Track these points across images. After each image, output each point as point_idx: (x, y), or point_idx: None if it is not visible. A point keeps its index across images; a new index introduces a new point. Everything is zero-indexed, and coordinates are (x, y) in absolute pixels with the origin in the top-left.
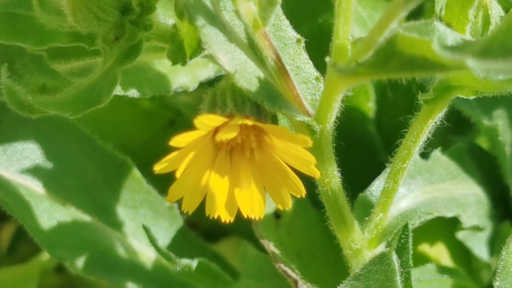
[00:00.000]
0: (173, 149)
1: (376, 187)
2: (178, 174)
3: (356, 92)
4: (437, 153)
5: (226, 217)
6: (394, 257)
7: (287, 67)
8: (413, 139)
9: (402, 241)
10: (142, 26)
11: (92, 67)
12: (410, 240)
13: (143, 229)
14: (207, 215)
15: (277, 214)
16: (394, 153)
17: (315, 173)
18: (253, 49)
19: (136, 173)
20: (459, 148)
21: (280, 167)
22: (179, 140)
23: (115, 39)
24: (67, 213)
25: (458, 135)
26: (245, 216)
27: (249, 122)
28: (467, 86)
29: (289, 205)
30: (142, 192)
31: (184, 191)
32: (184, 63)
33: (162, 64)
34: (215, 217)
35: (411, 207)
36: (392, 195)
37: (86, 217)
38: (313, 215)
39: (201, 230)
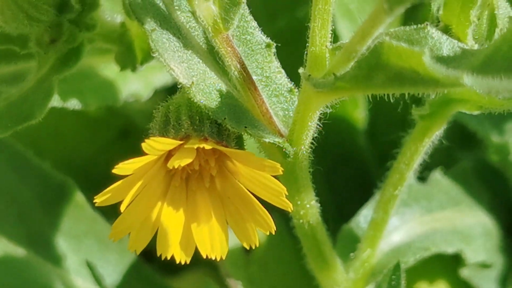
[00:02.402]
0: (117, 177)
1: (363, 218)
2: (122, 208)
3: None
4: (437, 176)
5: (181, 257)
6: None
7: (255, 78)
8: (407, 162)
9: (393, 282)
10: (84, 26)
11: (26, 73)
12: (403, 281)
13: (88, 266)
14: (158, 255)
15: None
16: (384, 177)
17: (287, 206)
18: (213, 57)
19: (79, 197)
20: (464, 168)
21: (245, 198)
22: (124, 167)
23: (50, 41)
24: None
25: (463, 151)
26: (204, 256)
27: (208, 146)
28: (469, 100)
29: (256, 242)
30: (86, 220)
31: (131, 227)
32: (134, 69)
33: (110, 69)
34: (168, 257)
35: (405, 241)
36: (382, 228)
37: (19, 250)
38: (290, 248)
39: (158, 263)
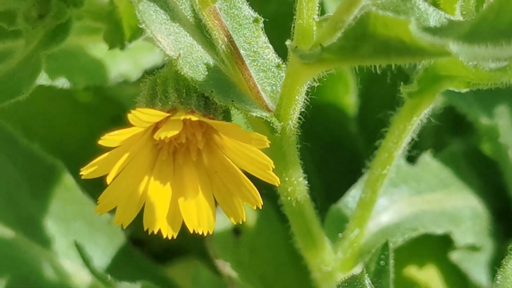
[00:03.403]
0: (105, 150)
1: (351, 198)
2: (109, 180)
3: (332, 82)
4: (426, 158)
5: (168, 232)
6: (367, 281)
7: (242, 52)
8: (395, 140)
9: (381, 262)
10: (71, 1)
11: (13, 52)
12: (391, 261)
13: (76, 247)
14: (145, 229)
15: (236, 230)
16: (373, 156)
17: (274, 180)
18: (200, 31)
19: (68, 179)
20: (454, 151)
21: (232, 172)
22: (111, 138)
23: (38, 17)
24: None
25: (453, 135)
26: (191, 231)
27: (194, 118)
28: (457, 76)
29: (243, 217)
30: (75, 202)
31: (117, 200)
32: (123, 46)
33: (98, 49)
34: (155, 232)
35: (393, 221)
36: (370, 207)
37: (7, 231)
38: (280, 231)
39: (149, 250)
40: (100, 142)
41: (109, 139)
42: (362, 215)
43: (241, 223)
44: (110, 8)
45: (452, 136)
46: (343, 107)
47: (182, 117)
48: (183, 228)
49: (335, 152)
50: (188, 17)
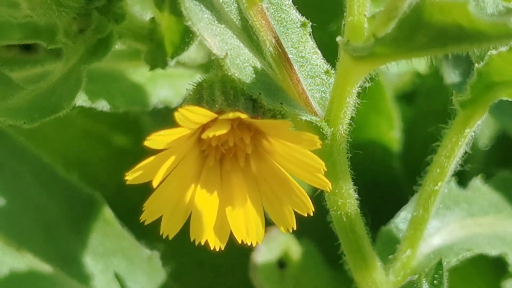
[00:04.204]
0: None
1: (401, 219)
2: (155, 183)
3: (376, 117)
4: (477, 182)
5: (216, 243)
6: (425, 286)
7: (290, 57)
8: (447, 154)
9: (435, 281)
10: (112, 15)
11: (52, 73)
12: (445, 281)
13: (117, 279)
14: (192, 240)
15: (281, 263)
16: (424, 172)
17: (325, 184)
18: (247, 34)
19: (107, 213)
20: (505, 178)
21: (282, 178)
22: (157, 139)
23: (79, 31)
24: (22, 261)
25: (503, 167)
26: (239, 241)
27: (243, 115)
28: (511, 80)
29: (293, 225)
30: (114, 237)
31: (163, 208)
32: (164, 65)
33: (139, 73)
34: (202, 243)
35: (446, 243)
36: (422, 226)
37: (45, 267)
38: (325, 272)
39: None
40: (146, 143)
41: (155, 139)
42: (414, 235)
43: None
44: (152, 26)
45: (502, 168)
46: (386, 143)
47: (230, 116)
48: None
49: (379, 192)
50: (235, 19)
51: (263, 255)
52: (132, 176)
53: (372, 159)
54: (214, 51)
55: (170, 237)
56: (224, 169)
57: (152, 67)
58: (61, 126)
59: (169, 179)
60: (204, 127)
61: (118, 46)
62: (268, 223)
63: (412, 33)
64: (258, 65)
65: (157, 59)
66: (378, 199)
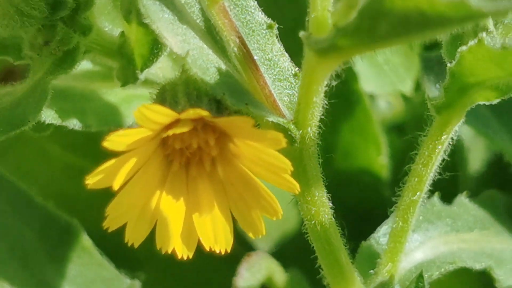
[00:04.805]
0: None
1: (382, 234)
2: (115, 185)
3: (363, 144)
4: (462, 199)
5: (183, 252)
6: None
7: (256, 58)
8: (425, 162)
9: None
10: (78, 27)
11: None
12: None
13: None
14: (158, 248)
15: None
16: (403, 183)
17: (293, 186)
18: (211, 36)
19: (85, 240)
20: (492, 196)
21: (249, 182)
22: (116, 140)
23: (44, 43)
24: None
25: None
26: (207, 249)
27: (204, 113)
28: (485, 80)
29: (262, 231)
30: (94, 266)
31: (127, 215)
32: (135, 79)
33: (113, 94)
34: (169, 251)
35: (428, 258)
36: (403, 239)
37: None
38: None
39: None
40: (105, 144)
41: (114, 140)
42: (394, 248)
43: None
44: (121, 40)
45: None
46: (375, 170)
47: (191, 114)
48: None
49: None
50: (198, 20)
51: (246, 280)
52: (92, 180)
53: (360, 187)
54: (174, 50)
55: (136, 245)
56: (190, 174)
57: (124, 83)
58: (43, 161)
59: (131, 183)
60: (167, 130)
61: (90, 66)
62: (249, 248)
63: (374, 22)
64: (223, 66)
65: (128, 74)
66: (365, 226)
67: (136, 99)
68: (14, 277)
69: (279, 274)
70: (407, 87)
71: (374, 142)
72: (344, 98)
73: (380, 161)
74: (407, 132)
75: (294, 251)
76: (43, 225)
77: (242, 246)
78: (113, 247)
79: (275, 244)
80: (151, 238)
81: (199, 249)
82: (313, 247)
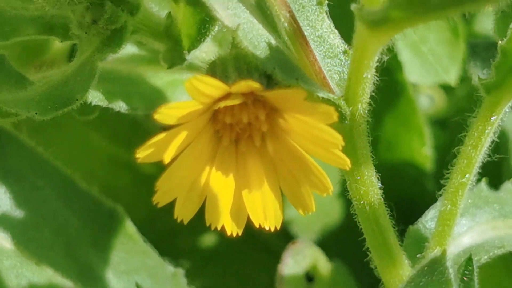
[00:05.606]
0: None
1: (430, 218)
2: (166, 158)
3: (406, 136)
4: (509, 185)
5: (233, 229)
6: (449, 263)
7: (306, 34)
8: (474, 143)
9: (465, 278)
10: (126, 6)
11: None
12: (476, 277)
13: None
14: (207, 225)
15: (309, 276)
16: (451, 165)
17: (343, 162)
18: (261, 9)
19: (129, 227)
20: None
21: (299, 158)
22: (167, 112)
23: (92, 22)
24: (42, 275)
25: None
26: (257, 226)
27: (255, 85)
28: None
29: (312, 208)
30: (138, 253)
31: (177, 190)
32: (182, 60)
33: (159, 78)
34: (219, 228)
35: (476, 243)
36: (451, 222)
37: (66, 283)
38: (353, 282)
39: None
40: (155, 116)
41: (165, 112)
42: (442, 231)
43: (322, 271)
44: (168, 22)
45: None
46: (418, 162)
47: (242, 86)
48: None
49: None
50: None
51: (290, 268)
52: (143, 154)
53: (403, 179)
54: (225, 23)
55: (185, 222)
56: (239, 150)
57: (170, 65)
58: (86, 152)
59: (182, 158)
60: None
61: (136, 50)
62: (293, 237)
63: None
64: (273, 41)
65: (175, 55)
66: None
67: (182, 84)
68: (58, 263)
69: (323, 263)
70: (452, 77)
71: (418, 133)
72: (388, 88)
73: (423, 152)
74: (450, 128)
75: (336, 245)
76: (87, 211)
77: (284, 238)
78: (157, 237)
79: (317, 238)
80: (193, 228)
81: (242, 239)
82: (355, 239)
